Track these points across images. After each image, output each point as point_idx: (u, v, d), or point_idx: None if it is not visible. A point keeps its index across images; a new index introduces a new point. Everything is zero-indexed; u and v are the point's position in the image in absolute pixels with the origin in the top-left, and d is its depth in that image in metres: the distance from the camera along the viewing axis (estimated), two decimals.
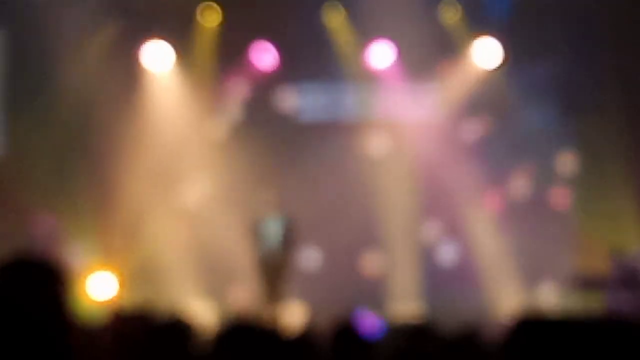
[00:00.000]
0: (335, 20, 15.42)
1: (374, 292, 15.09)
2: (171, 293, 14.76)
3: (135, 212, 15.79)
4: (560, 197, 15.62)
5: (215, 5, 15.43)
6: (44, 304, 2.15)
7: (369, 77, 16.08)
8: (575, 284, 14.26)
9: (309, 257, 15.19)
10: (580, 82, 14.40)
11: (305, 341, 4.45)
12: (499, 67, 15.37)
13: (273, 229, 13.78)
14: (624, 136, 15.01)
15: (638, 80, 14.58)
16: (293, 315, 13.29)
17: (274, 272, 13.72)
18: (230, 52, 15.88)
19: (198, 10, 15.68)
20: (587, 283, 14.13)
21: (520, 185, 15.77)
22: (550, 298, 15.19)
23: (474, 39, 15.30)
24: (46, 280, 2.21)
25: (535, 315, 3.34)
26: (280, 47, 15.89)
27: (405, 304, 14.83)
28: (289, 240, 13.83)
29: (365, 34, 15.28)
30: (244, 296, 15.13)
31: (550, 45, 14.70)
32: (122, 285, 14.56)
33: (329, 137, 16.24)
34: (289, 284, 13.92)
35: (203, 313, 12.79)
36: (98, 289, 14.25)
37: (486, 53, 15.29)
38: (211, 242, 15.48)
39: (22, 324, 2.11)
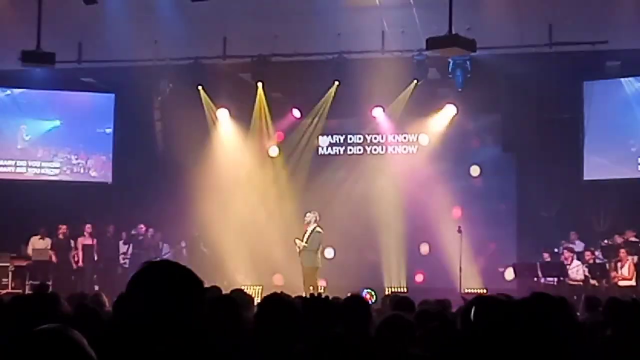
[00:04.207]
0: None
1: (372, 274, 15.10)
2: (226, 271, 14.81)
3: (201, 221, 15.86)
4: (505, 209, 15.72)
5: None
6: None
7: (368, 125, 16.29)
8: (515, 271, 14.21)
9: (330, 253, 15.24)
10: (514, 129, 14.54)
11: (325, 303, 4.41)
12: (458, 120, 15.55)
13: (308, 236, 13.65)
14: (543, 166, 15.19)
15: (551, 129, 14.81)
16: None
17: (308, 269, 13.57)
18: (272, 109, 16.08)
19: (247, 79, 15.79)
20: (524, 270, 14.07)
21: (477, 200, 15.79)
22: (499, 280, 15.17)
23: (442, 102, 15.47)
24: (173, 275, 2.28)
25: (483, 294, 3.56)
26: (302, 108, 16.11)
27: (394, 282, 14.92)
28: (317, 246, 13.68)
29: (369, 99, 15.33)
30: (280, 281, 15.15)
31: (492, 104, 14.89)
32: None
33: (340, 165, 16.35)
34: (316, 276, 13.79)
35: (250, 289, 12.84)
36: None
37: (449, 112, 15.56)
38: (255, 238, 15.52)
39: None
